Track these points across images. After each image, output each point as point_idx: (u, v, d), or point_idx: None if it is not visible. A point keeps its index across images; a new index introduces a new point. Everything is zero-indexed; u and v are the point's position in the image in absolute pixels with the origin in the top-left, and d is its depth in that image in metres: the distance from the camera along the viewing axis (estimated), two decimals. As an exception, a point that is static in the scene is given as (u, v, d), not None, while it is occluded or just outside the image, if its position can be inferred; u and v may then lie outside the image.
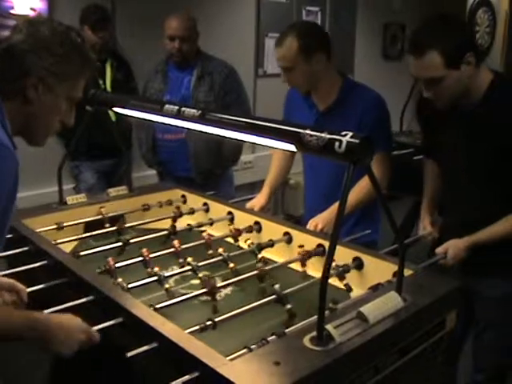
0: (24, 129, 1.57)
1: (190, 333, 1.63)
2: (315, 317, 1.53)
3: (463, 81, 2.16)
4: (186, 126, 2.10)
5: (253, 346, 1.57)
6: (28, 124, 1.56)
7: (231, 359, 1.48)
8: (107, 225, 2.58)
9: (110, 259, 2.09)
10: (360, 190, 2.46)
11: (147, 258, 2.15)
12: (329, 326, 1.52)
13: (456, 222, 2.41)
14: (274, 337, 1.63)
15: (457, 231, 2.29)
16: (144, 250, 2.18)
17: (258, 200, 2.89)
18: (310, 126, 1.63)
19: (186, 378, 1.41)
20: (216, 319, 1.73)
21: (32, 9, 3.89)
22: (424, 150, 2.71)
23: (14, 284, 1.83)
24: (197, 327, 1.67)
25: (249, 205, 2.87)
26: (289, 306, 1.88)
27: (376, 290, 1.91)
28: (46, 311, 1.71)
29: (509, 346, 2.48)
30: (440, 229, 2.54)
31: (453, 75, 2.14)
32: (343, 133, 1.52)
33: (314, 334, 1.51)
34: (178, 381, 1.40)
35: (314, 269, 2.21)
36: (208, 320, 1.71)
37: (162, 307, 1.80)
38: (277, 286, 1.89)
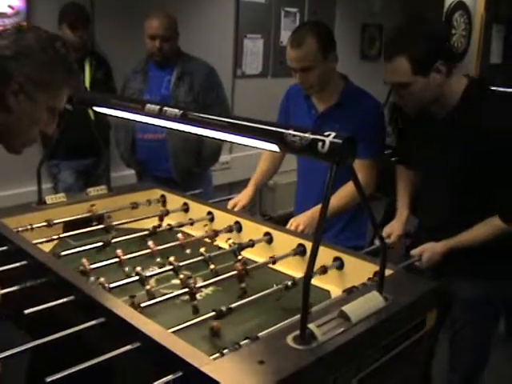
0: (2, 136, 1.56)
1: (173, 332, 1.62)
2: (298, 316, 1.54)
3: (432, 88, 2.16)
4: (167, 126, 2.10)
5: (225, 351, 1.56)
6: (6, 131, 1.55)
7: (215, 358, 1.48)
8: (87, 224, 2.56)
9: (84, 260, 2.08)
10: (344, 193, 2.48)
11: (122, 258, 2.15)
12: (312, 325, 1.53)
13: (432, 224, 2.42)
14: (247, 340, 1.62)
15: (433, 233, 2.30)
16: (119, 251, 2.18)
17: (241, 198, 2.90)
18: (293, 125, 1.64)
19: (170, 377, 1.40)
20: (197, 319, 1.74)
21: (10, 6, 3.86)
22: (397, 155, 2.72)
23: None
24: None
25: (231, 202, 2.88)
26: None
27: (351, 292, 1.92)
28: (26, 311, 1.70)
29: (482, 347, 2.50)
30: (416, 229, 2.56)
31: (421, 82, 2.14)
32: (326, 133, 1.53)
33: (297, 333, 1.52)
34: (161, 381, 1.39)
35: (295, 269, 2.22)
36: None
37: (143, 307, 1.79)
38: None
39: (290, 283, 1.98)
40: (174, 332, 1.63)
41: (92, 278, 2.00)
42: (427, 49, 2.12)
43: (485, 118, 2.15)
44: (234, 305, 1.83)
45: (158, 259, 2.22)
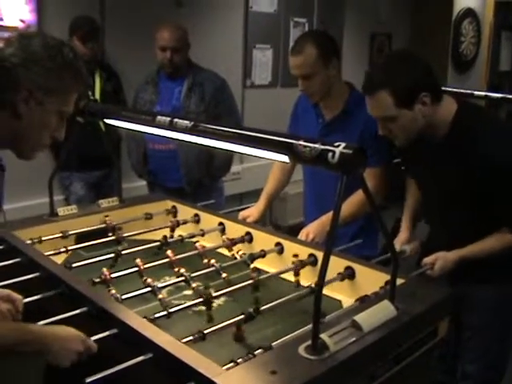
0: (13, 142, 1.57)
1: (185, 343, 1.63)
2: (310, 326, 1.54)
3: (418, 120, 2.14)
4: (178, 138, 2.11)
5: (239, 360, 1.57)
6: (17, 137, 1.56)
7: (227, 369, 1.48)
8: (99, 236, 2.56)
9: (104, 270, 2.09)
10: (354, 202, 2.48)
11: (142, 268, 2.14)
12: (323, 335, 1.53)
13: (437, 241, 2.43)
14: (260, 350, 1.62)
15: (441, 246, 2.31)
16: (138, 260, 2.17)
17: (252, 212, 2.89)
18: (303, 136, 1.65)
19: (183, 388, 1.41)
20: (208, 330, 1.73)
21: (21, 20, 3.89)
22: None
23: (10, 294, 1.83)
24: (190, 338, 1.67)
25: (242, 214, 2.88)
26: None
27: (363, 301, 1.92)
28: (39, 323, 1.71)
29: (499, 354, 2.48)
30: (427, 237, 2.56)
31: (406, 115, 2.12)
32: (336, 143, 1.54)
33: (309, 343, 1.52)
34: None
35: (306, 279, 2.21)
36: (198, 332, 1.70)
37: (156, 318, 1.80)
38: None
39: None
40: (187, 342, 1.64)
41: (113, 291, 2.00)
42: (410, 81, 2.10)
43: (479, 140, 2.13)
44: (239, 317, 1.82)
45: (176, 268, 2.19)
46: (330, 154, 1.53)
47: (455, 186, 2.23)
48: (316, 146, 1.57)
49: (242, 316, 1.79)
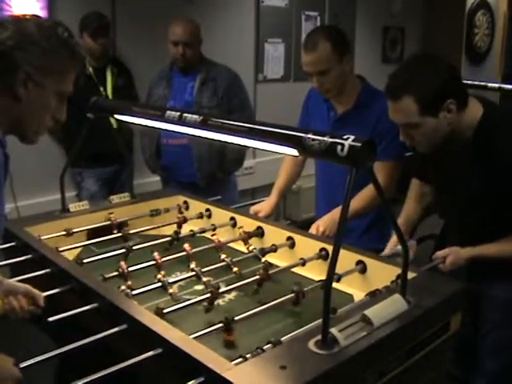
0: (15, 126, 1.57)
1: (195, 338, 1.62)
2: (320, 320, 1.53)
3: (443, 128, 2.08)
4: (187, 132, 2.10)
5: (248, 356, 1.56)
6: (19, 121, 1.56)
7: (236, 364, 1.48)
8: (110, 232, 2.57)
9: (122, 263, 2.11)
10: (364, 196, 2.47)
11: (159, 262, 2.15)
12: (333, 330, 1.52)
13: (453, 237, 2.43)
14: (269, 345, 1.61)
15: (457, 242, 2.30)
16: (155, 253, 2.19)
17: (264, 207, 2.88)
18: (312, 129, 1.64)
19: (192, 383, 1.41)
20: (217, 326, 1.73)
21: (32, 17, 3.90)
22: (414, 171, 2.66)
23: (29, 289, 1.84)
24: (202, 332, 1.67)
25: (253, 208, 2.88)
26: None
27: (374, 296, 1.91)
28: (50, 319, 1.71)
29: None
30: (441, 231, 2.55)
31: (430, 122, 2.06)
32: (345, 136, 1.53)
33: (319, 337, 1.51)
34: (183, 386, 1.40)
35: (317, 272, 2.21)
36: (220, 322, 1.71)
37: (166, 313, 1.80)
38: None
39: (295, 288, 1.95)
40: (196, 337, 1.64)
41: (123, 287, 1.99)
42: (435, 88, 2.03)
43: (503, 141, 2.09)
44: (249, 312, 1.82)
45: (194, 263, 2.17)
46: (339, 147, 1.52)
47: (478, 188, 2.19)
48: (325, 139, 1.57)
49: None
